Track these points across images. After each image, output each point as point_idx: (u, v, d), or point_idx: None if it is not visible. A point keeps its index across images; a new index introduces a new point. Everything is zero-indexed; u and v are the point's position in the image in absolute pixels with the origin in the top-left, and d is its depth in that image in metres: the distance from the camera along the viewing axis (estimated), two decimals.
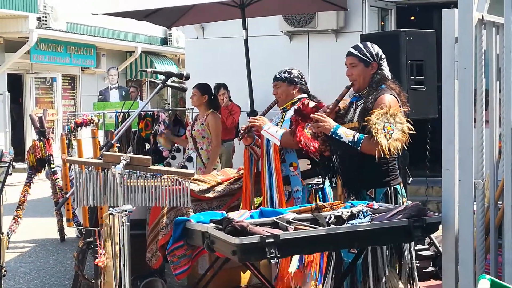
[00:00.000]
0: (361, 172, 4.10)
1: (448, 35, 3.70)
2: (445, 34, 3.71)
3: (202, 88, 7.12)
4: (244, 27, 7.16)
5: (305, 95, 5.04)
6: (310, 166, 4.83)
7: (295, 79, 5.02)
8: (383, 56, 4.27)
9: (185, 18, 8.20)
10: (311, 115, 4.20)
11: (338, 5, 7.97)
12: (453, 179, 3.70)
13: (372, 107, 4.03)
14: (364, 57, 4.20)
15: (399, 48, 6.19)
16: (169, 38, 22.58)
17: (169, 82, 4.26)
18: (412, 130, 4.04)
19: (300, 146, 4.60)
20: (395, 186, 4.17)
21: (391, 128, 3.94)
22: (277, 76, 5.04)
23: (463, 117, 3.67)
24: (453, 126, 3.70)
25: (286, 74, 5.02)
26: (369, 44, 4.29)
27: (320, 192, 4.88)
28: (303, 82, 5.10)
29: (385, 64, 4.26)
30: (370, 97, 4.11)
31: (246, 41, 7.14)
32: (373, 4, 9.73)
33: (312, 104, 4.85)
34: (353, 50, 4.24)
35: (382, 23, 10.11)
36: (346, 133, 4.03)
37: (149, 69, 4.56)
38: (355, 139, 4.00)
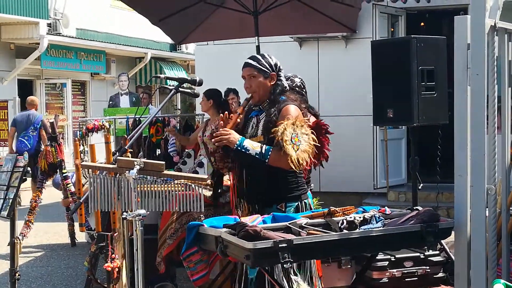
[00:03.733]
0: (270, 186, 3.97)
1: (461, 42, 3.71)
2: (458, 40, 3.72)
3: (208, 93, 7.17)
4: (257, 33, 7.19)
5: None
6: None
7: (297, 88, 4.97)
8: (281, 66, 4.13)
9: (194, 35, 8.28)
10: (212, 129, 4.00)
11: (348, 27, 8.09)
12: (466, 185, 3.70)
13: (277, 119, 3.90)
14: (263, 68, 4.04)
15: (410, 54, 6.21)
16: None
17: (180, 88, 4.28)
18: (316, 142, 3.93)
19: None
20: (305, 201, 4.07)
21: (298, 139, 3.83)
22: None
23: (475, 123, 3.67)
24: (466, 132, 3.71)
25: (289, 82, 4.93)
26: (266, 54, 4.14)
27: None
28: (304, 92, 5.05)
29: (282, 75, 4.12)
30: (272, 109, 3.98)
31: (258, 47, 7.17)
32: (383, 11, 9.76)
33: (312, 119, 4.84)
34: (251, 61, 4.07)
35: (392, 30, 10.15)
36: (253, 145, 3.88)
37: (162, 75, 4.58)
38: (263, 151, 3.85)
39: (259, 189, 4.00)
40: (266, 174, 3.93)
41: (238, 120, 4.05)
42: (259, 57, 4.10)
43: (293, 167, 3.82)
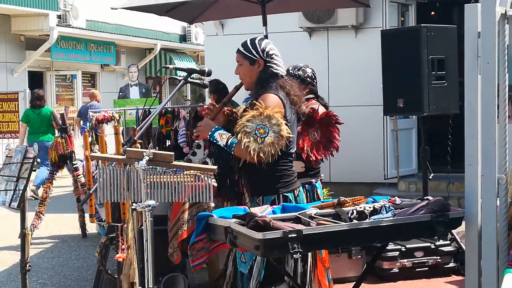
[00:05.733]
0: (251, 179, 3.86)
1: (471, 30, 3.68)
2: (468, 29, 3.69)
3: (210, 85, 7.18)
4: (264, 23, 7.17)
5: (313, 96, 5.01)
6: (303, 169, 4.75)
7: (308, 79, 4.95)
8: (272, 52, 3.94)
9: (206, 14, 8.24)
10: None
11: (360, 2, 7.94)
12: (476, 174, 3.68)
13: (252, 108, 3.75)
14: (249, 54, 3.91)
15: (420, 43, 6.18)
16: (188, 35, 22.65)
17: (190, 79, 4.27)
18: (290, 134, 3.76)
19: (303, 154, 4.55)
20: (285, 194, 3.88)
21: (265, 131, 3.66)
22: (290, 71, 4.89)
23: (486, 112, 3.65)
24: (476, 121, 3.68)
25: (300, 72, 4.95)
26: (257, 40, 3.96)
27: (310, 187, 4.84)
28: (314, 83, 5.04)
29: (275, 61, 3.94)
30: (255, 97, 3.85)
31: (266, 37, 7.13)
32: (393, 0, 9.71)
33: (321, 109, 4.81)
34: (239, 47, 3.95)
35: (402, 19, 10.10)
36: (222, 136, 3.79)
37: (171, 66, 4.55)
38: (229, 142, 3.76)
39: (237, 182, 3.92)
40: (243, 166, 3.84)
41: (224, 109, 3.96)
42: (248, 42, 3.95)
43: (256, 161, 3.68)
